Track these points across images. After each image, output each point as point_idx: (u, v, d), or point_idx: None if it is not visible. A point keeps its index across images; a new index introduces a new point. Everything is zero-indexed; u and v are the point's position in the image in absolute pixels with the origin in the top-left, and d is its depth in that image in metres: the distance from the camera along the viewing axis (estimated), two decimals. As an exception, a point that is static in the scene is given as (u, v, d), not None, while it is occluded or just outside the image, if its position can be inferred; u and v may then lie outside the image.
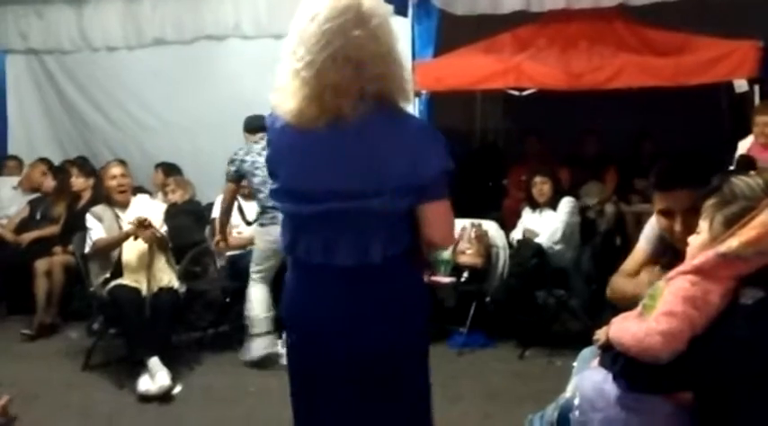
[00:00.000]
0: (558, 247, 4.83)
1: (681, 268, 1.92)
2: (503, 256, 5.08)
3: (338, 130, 1.84)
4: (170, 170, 6.18)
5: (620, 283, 2.47)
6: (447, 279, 4.97)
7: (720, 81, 4.87)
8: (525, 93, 5.52)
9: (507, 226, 5.37)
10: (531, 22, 5.44)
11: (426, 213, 1.91)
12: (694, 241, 1.97)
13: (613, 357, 1.94)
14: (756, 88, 4.72)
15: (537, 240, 4.85)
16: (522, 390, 4.09)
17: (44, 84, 7.17)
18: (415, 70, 5.16)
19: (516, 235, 5.10)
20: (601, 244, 5.03)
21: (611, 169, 6.19)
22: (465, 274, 4.94)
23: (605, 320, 2.42)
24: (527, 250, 4.80)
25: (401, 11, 5.40)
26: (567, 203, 4.95)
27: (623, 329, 1.91)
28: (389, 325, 1.95)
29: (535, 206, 5.08)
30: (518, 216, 5.28)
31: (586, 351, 2.58)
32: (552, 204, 4.99)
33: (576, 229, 4.97)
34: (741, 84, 4.73)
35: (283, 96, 1.88)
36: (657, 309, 1.87)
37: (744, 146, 4.74)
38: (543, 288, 4.81)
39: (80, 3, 6.82)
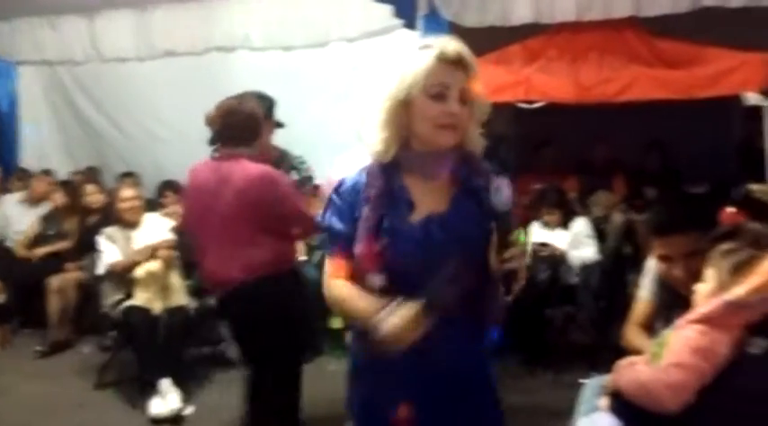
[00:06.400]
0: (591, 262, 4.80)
1: (688, 316, 1.92)
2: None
3: None
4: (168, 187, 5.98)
5: (633, 338, 2.48)
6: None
7: (731, 94, 4.82)
8: (535, 105, 5.48)
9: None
10: (541, 32, 5.41)
11: None
12: (702, 289, 1.97)
13: (623, 405, 1.95)
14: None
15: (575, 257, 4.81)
16: (530, 406, 4.08)
17: (56, 94, 7.22)
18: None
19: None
20: (609, 257, 4.96)
21: (619, 176, 6.14)
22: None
23: (613, 338, 2.43)
24: (538, 266, 4.77)
25: (410, 24, 5.39)
26: (584, 226, 4.93)
27: (632, 378, 1.92)
28: None
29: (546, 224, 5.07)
30: (523, 226, 5.23)
31: (594, 381, 2.58)
32: (563, 223, 4.97)
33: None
34: (751, 97, 4.69)
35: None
36: (665, 358, 1.87)
37: None
38: (552, 306, 4.77)
39: (92, 14, 6.86)
